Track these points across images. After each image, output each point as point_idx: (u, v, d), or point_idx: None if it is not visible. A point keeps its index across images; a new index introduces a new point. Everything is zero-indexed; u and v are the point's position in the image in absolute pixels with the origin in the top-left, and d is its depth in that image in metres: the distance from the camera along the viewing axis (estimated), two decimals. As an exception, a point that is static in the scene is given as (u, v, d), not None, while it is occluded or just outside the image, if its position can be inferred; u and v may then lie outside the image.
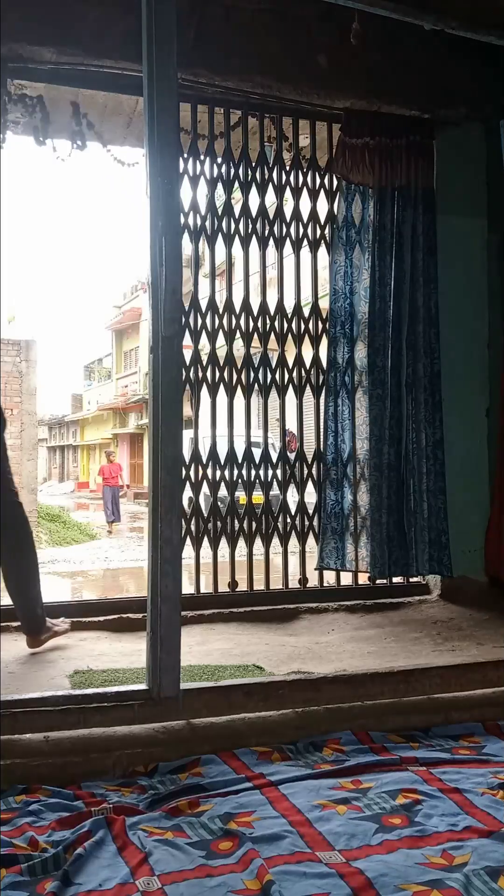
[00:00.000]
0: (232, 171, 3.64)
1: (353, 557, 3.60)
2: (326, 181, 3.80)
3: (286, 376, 3.73)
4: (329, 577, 3.86)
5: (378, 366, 3.58)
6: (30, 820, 1.72)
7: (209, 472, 3.61)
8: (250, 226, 3.69)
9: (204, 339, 3.62)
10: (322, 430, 3.68)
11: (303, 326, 3.78)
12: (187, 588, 3.52)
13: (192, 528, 3.58)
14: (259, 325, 3.68)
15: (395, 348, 3.60)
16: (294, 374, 3.74)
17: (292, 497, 3.76)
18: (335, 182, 3.76)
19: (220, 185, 3.64)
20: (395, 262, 3.61)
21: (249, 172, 3.67)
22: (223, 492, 3.65)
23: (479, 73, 3.59)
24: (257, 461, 3.68)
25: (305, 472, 3.77)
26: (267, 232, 3.71)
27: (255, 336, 3.68)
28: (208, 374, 3.60)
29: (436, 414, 3.63)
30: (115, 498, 14.20)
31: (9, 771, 1.89)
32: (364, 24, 2.99)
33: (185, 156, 3.54)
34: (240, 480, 3.65)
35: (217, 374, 3.61)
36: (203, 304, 3.62)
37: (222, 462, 3.62)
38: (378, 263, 3.59)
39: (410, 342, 3.62)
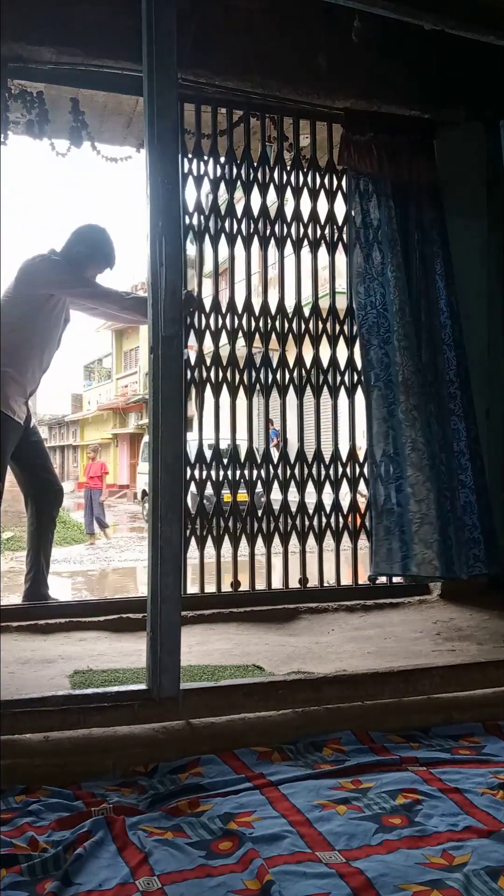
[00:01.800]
0: (233, 171, 3.64)
1: (420, 560, 3.43)
2: (327, 181, 3.80)
3: (287, 376, 3.73)
4: (329, 577, 3.86)
5: (408, 362, 3.54)
6: (30, 820, 1.72)
7: (212, 472, 3.61)
8: (251, 226, 3.68)
9: (205, 339, 3.62)
10: (366, 428, 3.63)
11: (303, 326, 3.77)
12: (189, 588, 3.53)
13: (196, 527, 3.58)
14: (260, 324, 3.67)
15: (422, 344, 3.58)
16: (294, 373, 3.74)
17: (293, 497, 3.76)
18: (335, 182, 3.76)
19: (221, 185, 3.63)
20: (414, 258, 3.61)
21: (251, 172, 3.66)
22: (211, 490, 3.66)
23: (479, 73, 3.59)
24: (258, 461, 3.68)
25: (306, 472, 3.76)
26: (268, 232, 3.71)
27: (258, 336, 3.68)
28: (212, 374, 3.60)
29: (469, 409, 3.59)
30: (97, 502, 12.74)
31: (9, 771, 1.88)
32: (364, 23, 2.99)
33: (190, 156, 3.54)
34: (242, 480, 3.65)
35: (217, 375, 3.61)
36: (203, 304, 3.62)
37: (225, 462, 3.62)
38: (395, 260, 3.56)
39: (435, 338, 3.60)
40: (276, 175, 3.72)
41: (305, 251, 3.80)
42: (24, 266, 3.45)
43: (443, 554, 3.42)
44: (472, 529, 3.52)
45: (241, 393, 3.65)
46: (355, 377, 3.70)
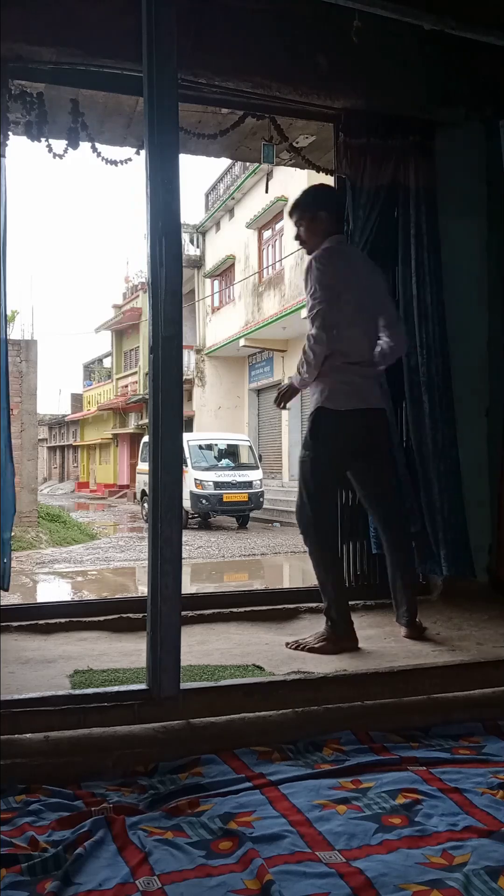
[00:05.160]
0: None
1: None
2: (326, 181, 3.79)
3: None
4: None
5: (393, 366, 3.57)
6: (30, 820, 1.72)
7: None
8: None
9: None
10: None
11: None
12: (188, 587, 3.53)
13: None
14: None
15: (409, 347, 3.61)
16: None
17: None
18: (334, 182, 3.76)
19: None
20: (401, 261, 3.61)
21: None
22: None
23: (479, 73, 3.59)
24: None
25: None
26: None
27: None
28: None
29: (448, 412, 3.62)
30: None
31: (9, 771, 1.89)
32: (364, 23, 2.99)
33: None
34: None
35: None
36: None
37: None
38: (384, 264, 3.58)
39: (422, 341, 3.62)
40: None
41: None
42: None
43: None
44: (448, 531, 3.59)
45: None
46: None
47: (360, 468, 3.17)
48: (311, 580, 3.79)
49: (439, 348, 3.62)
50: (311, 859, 1.55)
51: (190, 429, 21.36)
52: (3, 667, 2.59)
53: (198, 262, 24.27)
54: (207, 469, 15.13)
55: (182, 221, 2.29)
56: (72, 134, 3.44)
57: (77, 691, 2.28)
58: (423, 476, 3.59)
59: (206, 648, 2.93)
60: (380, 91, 3.54)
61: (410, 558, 3.28)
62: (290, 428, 18.82)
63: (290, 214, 3.17)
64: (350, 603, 3.57)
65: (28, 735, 1.98)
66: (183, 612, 2.35)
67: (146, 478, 2.38)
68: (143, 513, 14.75)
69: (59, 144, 3.48)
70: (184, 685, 2.23)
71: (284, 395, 3.15)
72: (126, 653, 2.84)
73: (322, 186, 3.28)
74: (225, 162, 19.89)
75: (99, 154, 3.61)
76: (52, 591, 8.02)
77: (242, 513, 15.19)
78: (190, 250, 23.65)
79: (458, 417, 3.70)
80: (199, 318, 24.28)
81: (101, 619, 3.27)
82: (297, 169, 3.76)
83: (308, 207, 3.12)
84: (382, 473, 3.19)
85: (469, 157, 3.82)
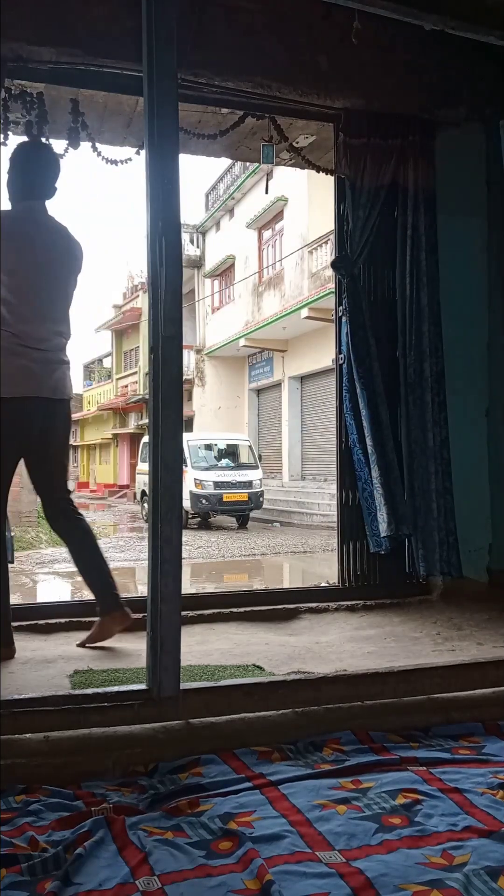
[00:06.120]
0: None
1: None
2: (326, 181, 3.80)
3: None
4: (330, 577, 3.86)
5: (384, 366, 3.57)
6: (30, 820, 1.72)
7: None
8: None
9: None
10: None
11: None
12: (188, 587, 3.53)
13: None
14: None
15: (401, 348, 3.61)
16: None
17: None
18: (334, 182, 3.77)
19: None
20: (398, 261, 3.61)
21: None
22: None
23: (479, 73, 3.59)
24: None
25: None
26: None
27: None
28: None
29: (440, 413, 3.63)
30: None
31: (9, 771, 1.88)
32: (364, 23, 2.99)
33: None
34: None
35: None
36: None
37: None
38: (381, 263, 3.59)
39: (415, 342, 3.62)
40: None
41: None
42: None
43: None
44: (439, 532, 3.61)
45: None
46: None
47: (31, 461, 2.96)
48: (311, 580, 3.79)
49: (434, 349, 3.62)
50: (311, 859, 1.55)
51: (190, 429, 21.36)
52: (3, 667, 2.59)
53: (198, 262, 24.27)
54: (207, 469, 15.12)
55: (182, 221, 2.29)
56: (72, 134, 3.45)
57: (77, 691, 2.28)
58: (416, 476, 3.59)
59: (206, 648, 2.93)
60: (380, 91, 3.55)
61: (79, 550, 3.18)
62: (290, 428, 18.85)
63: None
64: (350, 603, 3.59)
65: (28, 735, 1.98)
66: (183, 612, 2.35)
67: (146, 478, 2.37)
68: (143, 513, 14.76)
69: (59, 144, 3.48)
70: (184, 685, 2.23)
71: None
72: (126, 653, 2.84)
73: (32, 145, 2.97)
74: (225, 162, 19.91)
75: (99, 154, 3.62)
76: (52, 591, 8.02)
77: (242, 512, 15.19)
78: (190, 250, 23.66)
79: (458, 417, 3.71)
80: (199, 318, 24.30)
81: (101, 619, 3.27)
82: (298, 169, 3.76)
83: (11, 161, 2.80)
84: (54, 467, 3.00)
85: (469, 157, 3.82)
